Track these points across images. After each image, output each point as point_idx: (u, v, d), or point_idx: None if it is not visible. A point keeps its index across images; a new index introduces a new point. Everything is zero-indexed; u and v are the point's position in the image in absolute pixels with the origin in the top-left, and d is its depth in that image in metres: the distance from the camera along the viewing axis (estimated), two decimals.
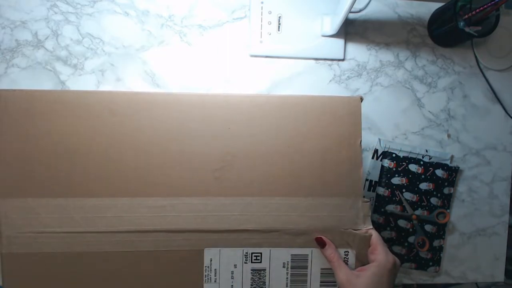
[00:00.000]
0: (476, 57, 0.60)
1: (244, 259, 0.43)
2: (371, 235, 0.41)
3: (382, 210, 0.57)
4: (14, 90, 0.41)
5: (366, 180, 0.58)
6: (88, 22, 0.54)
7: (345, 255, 0.43)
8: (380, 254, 0.40)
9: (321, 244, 0.42)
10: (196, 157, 0.42)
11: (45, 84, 0.53)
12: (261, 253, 0.43)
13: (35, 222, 0.40)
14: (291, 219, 0.42)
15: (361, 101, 0.44)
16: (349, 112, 0.44)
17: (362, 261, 0.42)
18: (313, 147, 0.43)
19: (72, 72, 0.54)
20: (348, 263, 0.43)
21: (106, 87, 0.54)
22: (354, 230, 0.42)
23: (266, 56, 0.57)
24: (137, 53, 0.55)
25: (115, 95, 0.42)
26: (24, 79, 0.53)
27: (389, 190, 0.57)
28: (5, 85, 0.52)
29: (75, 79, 0.54)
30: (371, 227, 0.43)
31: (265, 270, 0.43)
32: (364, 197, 0.43)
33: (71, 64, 0.54)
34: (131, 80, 0.55)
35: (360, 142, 0.43)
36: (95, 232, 0.41)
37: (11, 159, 0.40)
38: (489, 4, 0.51)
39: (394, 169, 0.57)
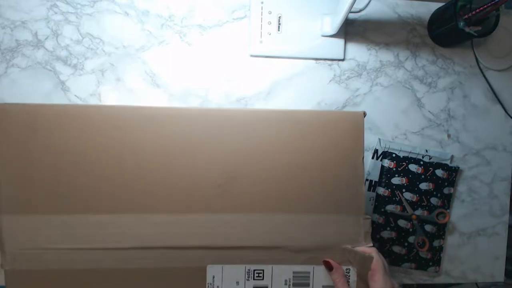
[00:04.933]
0: (476, 57, 0.60)
1: (247, 276, 0.42)
2: (372, 258, 0.40)
3: (382, 210, 0.57)
4: (17, 104, 0.40)
5: (366, 180, 0.58)
6: (88, 22, 0.54)
7: (346, 272, 0.42)
8: (378, 282, 0.39)
9: (328, 267, 0.42)
10: (199, 173, 0.41)
11: (45, 84, 0.53)
12: (263, 270, 0.42)
13: (39, 238, 0.40)
14: (293, 236, 0.42)
15: (364, 116, 0.43)
16: (351, 128, 0.43)
17: (364, 278, 0.41)
18: (315, 162, 0.42)
19: (72, 72, 0.54)
20: (349, 280, 0.42)
21: (106, 87, 0.54)
22: (355, 247, 0.42)
23: (266, 56, 0.57)
24: (137, 53, 0.55)
25: (118, 110, 0.41)
26: (24, 79, 0.53)
27: (389, 190, 0.57)
28: (5, 85, 0.53)
29: (75, 79, 0.54)
30: (371, 244, 0.42)
31: (267, 287, 0.42)
32: (366, 214, 0.43)
33: (71, 64, 0.54)
34: (131, 80, 0.55)
35: (363, 159, 0.43)
36: (98, 249, 0.40)
37: (14, 175, 0.39)
38: (489, 4, 0.51)
39: (394, 169, 0.57)
